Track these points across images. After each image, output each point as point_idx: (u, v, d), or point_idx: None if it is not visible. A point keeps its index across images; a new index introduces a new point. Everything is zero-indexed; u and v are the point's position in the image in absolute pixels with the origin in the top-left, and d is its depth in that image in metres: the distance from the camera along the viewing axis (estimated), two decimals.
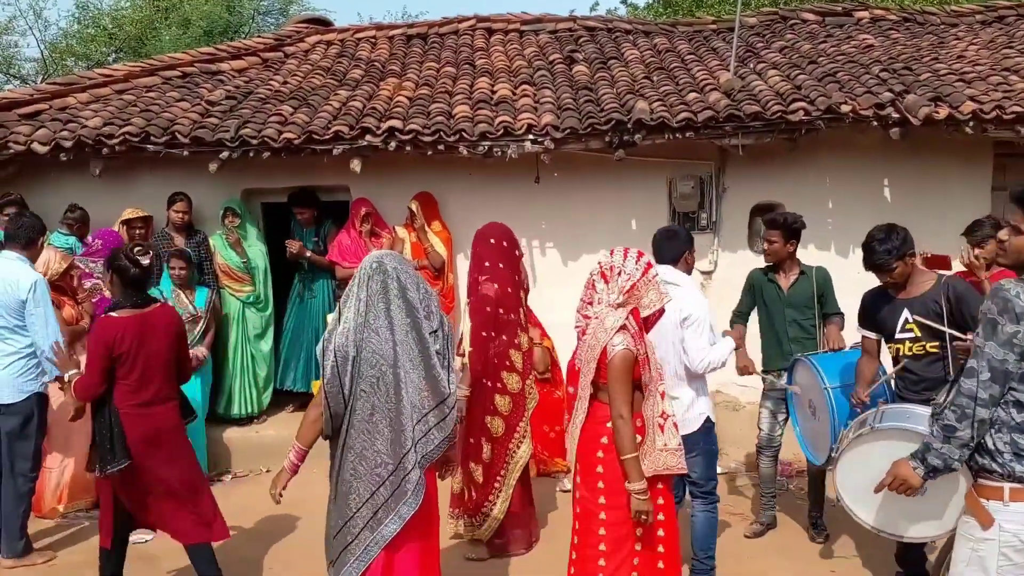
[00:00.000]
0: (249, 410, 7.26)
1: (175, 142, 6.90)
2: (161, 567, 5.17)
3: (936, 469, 2.93)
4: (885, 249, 4.19)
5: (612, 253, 3.74)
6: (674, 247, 4.59)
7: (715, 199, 7.42)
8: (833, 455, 4.10)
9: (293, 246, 7.24)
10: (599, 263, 3.75)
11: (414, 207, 7.12)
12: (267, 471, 6.88)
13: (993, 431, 2.84)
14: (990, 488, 2.86)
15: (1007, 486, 2.82)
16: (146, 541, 5.50)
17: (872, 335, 4.46)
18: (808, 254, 7.13)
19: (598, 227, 7.25)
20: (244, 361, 7.24)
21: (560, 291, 6.53)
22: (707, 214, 7.42)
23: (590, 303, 3.74)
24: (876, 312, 4.39)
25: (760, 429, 5.42)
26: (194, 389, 6.57)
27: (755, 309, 5.47)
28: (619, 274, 3.66)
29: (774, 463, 5.41)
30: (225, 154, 6.84)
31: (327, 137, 6.77)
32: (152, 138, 6.90)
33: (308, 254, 7.27)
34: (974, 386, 2.81)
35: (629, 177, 7.25)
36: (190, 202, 7.03)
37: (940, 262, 5.35)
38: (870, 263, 4.30)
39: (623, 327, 3.59)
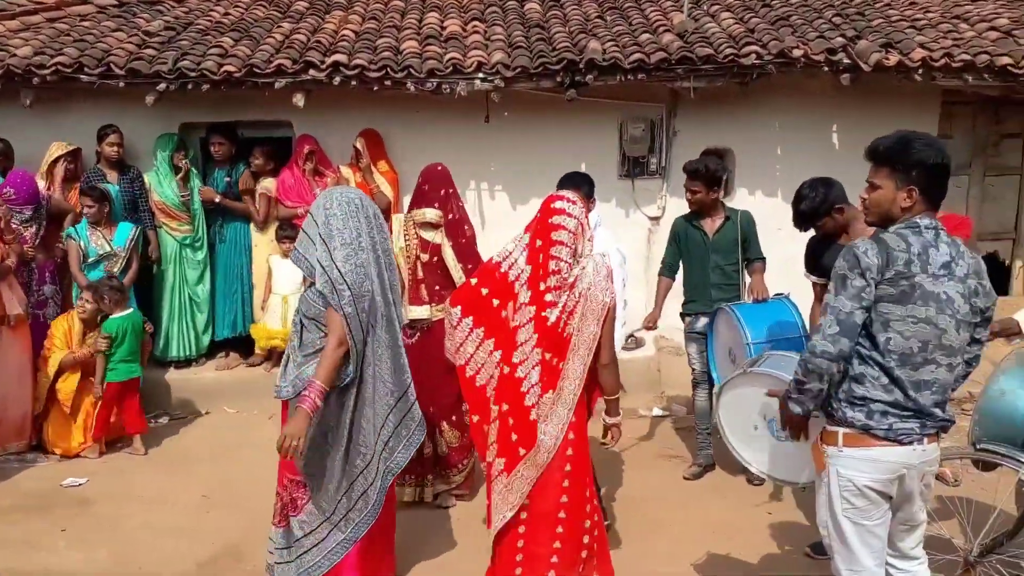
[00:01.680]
0: (187, 352, 7.10)
1: (110, 73, 6.64)
2: (94, 511, 5.08)
3: (800, 416, 3.00)
4: (806, 208, 4.27)
5: (574, 201, 3.58)
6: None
7: (665, 143, 7.36)
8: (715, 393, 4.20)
9: (203, 193, 6.99)
10: (570, 212, 3.52)
11: (360, 145, 6.95)
12: (206, 413, 6.78)
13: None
14: (830, 433, 2.93)
15: (841, 431, 2.88)
16: (79, 484, 5.41)
17: (819, 280, 4.48)
18: (755, 199, 7.18)
19: (548, 170, 7.06)
20: (181, 302, 7.06)
21: (507, 234, 6.41)
22: (657, 159, 7.38)
23: (576, 256, 3.52)
24: (821, 257, 4.40)
25: (692, 368, 5.46)
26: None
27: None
28: (585, 224, 3.58)
29: (709, 398, 5.44)
30: (162, 86, 6.59)
31: (269, 71, 6.56)
32: (86, 69, 6.63)
33: (217, 199, 6.98)
34: (819, 341, 2.82)
35: (580, 119, 7.15)
36: (122, 135, 6.78)
37: None
38: (794, 220, 4.39)
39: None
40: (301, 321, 3.67)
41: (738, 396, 3.76)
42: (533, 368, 3.50)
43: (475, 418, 3.70)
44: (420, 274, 4.91)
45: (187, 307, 7.08)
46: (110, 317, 5.97)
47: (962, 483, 4.38)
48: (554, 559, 3.54)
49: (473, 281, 3.72)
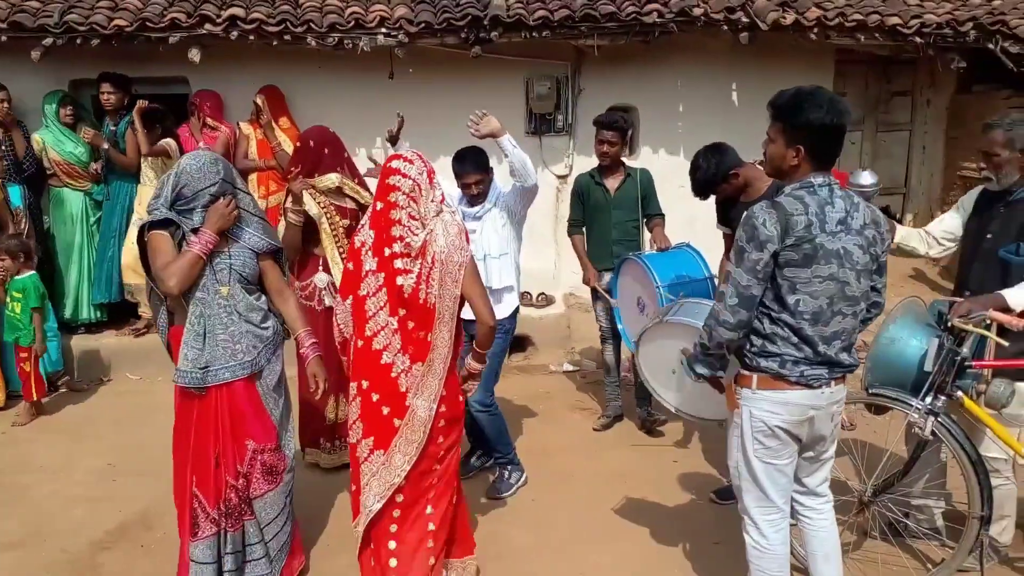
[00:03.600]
0: (98, 315, 6.86)
1: None
2: (2, 481, 4.95)
3: (704, 377, 3.14)
4: (701, 177, 4.36)
5: (415, 159, 3.39)
6: None
7: (571, 101, 7.40)
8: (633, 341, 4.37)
9: (88, 134, 6.60)
10: (404, 172, 3.32)
11: (259, 101, 6.78)
12: (108, 380, 6.59)
13: (751, 335, 3.00)
14: (744, 376, 3.06)
15: (755, 375, 3.01)
16: None
17: (729, 231, 4.61)
18: (658, 158, 7.31)
19: (455, 126, 7.03)
20: (91, 262, 6.80)
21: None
22: (563, 116, 7.42)
23: (418, 219, 3.32)
24: (728, 212, 4.52)
25: (600, 323, 5.58)
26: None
27: None
28: (423, 185, 3.36)
29: (617, 351, 5.58)
30: (48, 41, 6.30)
31: (163, 25, 6.33)
32: None
33: (105, 145, 6.56)
34: (721, 311, 2.94)
35: (487, 76, 7.12)
36: (9, 92, 6.44)
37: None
38: (693, 189, 4.47)
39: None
40: (238, 286, 3.49)
41: (656, 345, 3.94)
42: (393, 336, 3.34)
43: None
44: (347, 241, 4.69)
45: (96, 266, 6.82)
46: (18, 277, 5.77)
47: (857, 427, 4.60)
48: (429, 543, 3.49)
49: (350, 265, 3.50)
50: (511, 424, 5.37)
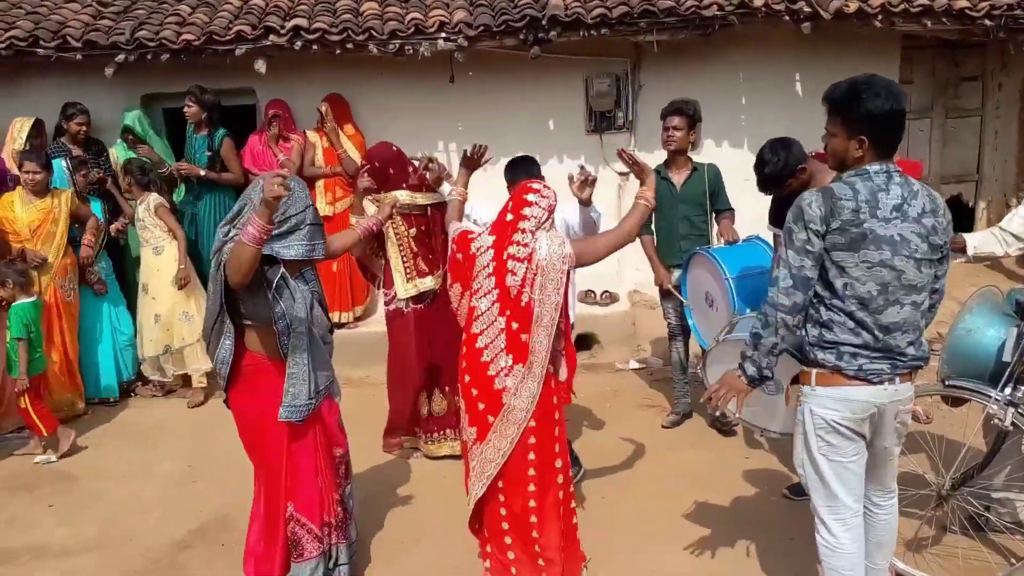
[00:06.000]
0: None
1: (66, 46, 6.55)
2: (80, 486, 5.10)
3: (753, 377, 3.01)
4: (769, 172, 4.30)
5: (548, 188, 3.64)
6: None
7: (631, 97, 7.38)
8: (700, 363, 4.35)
9: (182, 168, 6.70)
10: (544, 194, 3.58)
11: (324, 109, 6.91)
12: (180, 387, 6.74)
13: (809, 326, 2.96)
14: (804, 373, 3.02)
15: (814, 371, 2.97)
16: (52, 462, 5.40)
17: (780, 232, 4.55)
18: (722, 151, 7.23)
19: (516, 127, 7.17)
20: None
21: (477, 195, 6.44)
22: (623, 113, 7.40)
23: (531, 231, 3.51)
24: (785, 211, 4.45)
25: (668, 321, 5.54)
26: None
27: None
28: (553, 209, 3.62)
29: (686, 347, 5.54)
30: (121, 57, 6.51)
31: (229, 38, 6.49)
32: (41, 42, 6.53)
33: (202, 173, 6.66)
34: (775, 294, 2.90)
35: (546, 75, 7.14)
36: (89, 115, 6.62)
37: (822, 158, 5.45)
38: (759, 185, 4.43)
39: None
40: (317, 306, 3.61)
41: (722, 366, 3.88)
42: (498, 336, 3.50)
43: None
44: (415, 248, 4.90)
45: None
46: (15, 304, 5.47)
47: (933, 420, 4.50)
48: (540, 563, 3.60)
49: (459, 256, 3.71)
50: (577, 422, 5.41)
